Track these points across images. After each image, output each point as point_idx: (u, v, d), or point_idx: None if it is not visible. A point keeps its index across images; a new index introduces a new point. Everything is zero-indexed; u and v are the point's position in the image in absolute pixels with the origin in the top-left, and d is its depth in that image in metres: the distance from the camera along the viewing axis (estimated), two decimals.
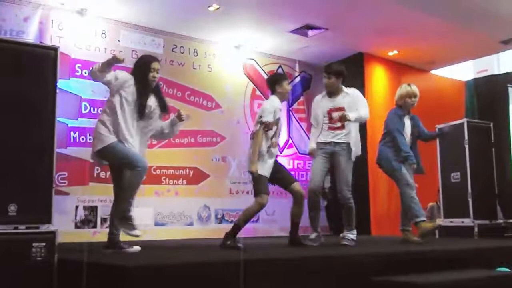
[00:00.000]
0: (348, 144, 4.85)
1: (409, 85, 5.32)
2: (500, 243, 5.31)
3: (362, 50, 8.34)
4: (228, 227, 7.35)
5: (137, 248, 4.08)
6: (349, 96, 4.96)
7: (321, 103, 5.02)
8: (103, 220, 6.42)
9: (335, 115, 4.87)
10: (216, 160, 7.57)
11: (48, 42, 6.12)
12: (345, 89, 5.01)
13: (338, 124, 4.87)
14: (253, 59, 8.13)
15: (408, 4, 6.65)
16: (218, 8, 6.60)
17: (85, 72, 6.54)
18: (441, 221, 6.67)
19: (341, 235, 4.88)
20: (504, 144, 6.55)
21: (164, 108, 4.32)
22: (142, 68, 4.20)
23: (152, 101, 4.20)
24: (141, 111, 4.09)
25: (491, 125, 6.76)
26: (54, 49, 3.64)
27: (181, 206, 7.08)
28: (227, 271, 2.97)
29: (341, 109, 4.87)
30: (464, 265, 4.10)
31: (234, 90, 7.91)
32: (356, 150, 4.89)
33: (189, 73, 7.46)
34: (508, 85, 6.74)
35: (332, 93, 4.98)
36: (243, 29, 7.37)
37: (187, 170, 7.24)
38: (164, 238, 6.51)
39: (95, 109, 6.54)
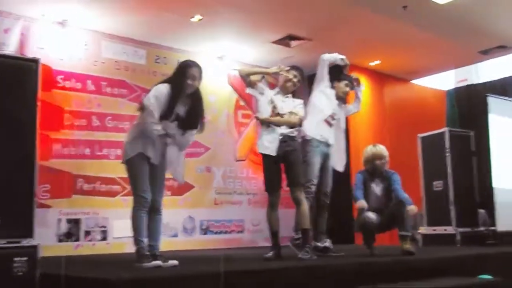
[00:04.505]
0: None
1: (374, 146, 4.94)
2: (481, 250, 5.37)
3: None
4: (213, 238, 7.47)
5: (174, 262, 3.74)
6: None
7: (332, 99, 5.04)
8: (86, 233, 6.37)
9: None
10: (200, 170, 7.55)
11: (29, 53, 6.06)
12: None
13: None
14: (237, 70, 8.12)
15: (390, 15, 6.73)
16: (201, 19, 6.61)
17: (67, 83, 6.51)
18: (424, 229, 6.74)
19: (326, 244, 4.82)
20: (484, 152, 6.62)
21: (190, 123, 3.92)
22: (179, 72, 3.92)
23: (183, 111, 3.90)
24: (164, 117, 3.79)
25: (472, 133, 6.85)
26: (35, 61, 3.61)
27: (166, 218, 6.85)
28: (208, 284, 2.95)
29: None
30: (447, 273, 4.13)
31: (218, 101, 7.91)
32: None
33: None
34: (487, 94, 6.81)
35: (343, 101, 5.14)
36: (226, 40, 7.39)
37: (171, 181, 7.17)
38: None
39: (78, 120, 6.51)
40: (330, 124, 4.92)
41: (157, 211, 3.93)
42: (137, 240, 3.74)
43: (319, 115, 4.86)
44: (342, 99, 5.13)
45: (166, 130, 3.81)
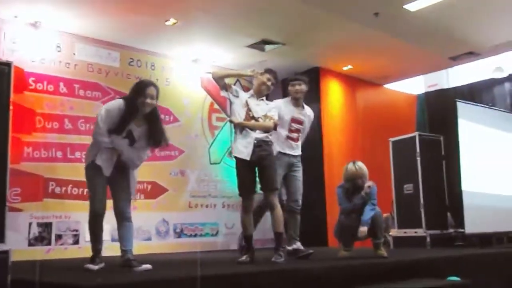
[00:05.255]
0: (300, 155, 5.05)
1: (354, 164, 4.89)
2: (450, 252, 5.48)
3: (318, 64, 8.50)
4: (187, 241, 7.44)
5: (147, 266, 3.76)
6: (307, 116, 5.12)
7: (285, 109, 5.00)
8: (58, 236, 6.28)
9: (295, 126, 4.95)
10: (174, 174, 7.52)
11: (0, 55, 5.97)
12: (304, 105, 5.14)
13: (295, 135, 4.95)
14: (210, 73, 8.12)
15: (362, 21, 6.83)
16: (176, 22, 6.60)
17: (39, 86, 6.42)
18: (395, 231, 6.84)
19: (294, 247, 4.86)
20: (453, 156, 6.76)
21: (152, 140, 3.96)
22: (135, 91, 3.93)
23: (138, 130, 3.92)
24: (115, 131, 3.83)
25: (441, 138, 6.98)
26: (8, 64, 3.56)
27: (139, 221, 6.94)
28: None
29: (301, 122, 4.98)
30: (418, 275, 4.21)
31: (192, 104, 7.90)
32: None
33: None
34: (456, 99, 6.95)
35: (298, 102, 5.04)
36: (200, 44, 7.38)
37: (145, 185, 7.16)
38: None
39: (50, 123, 6.41)
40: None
41: (126, 219, 3.97)
42: (93, 241, 3.97)
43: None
44: (296, 100, 5.06)
45: (114, 144, 3.84)
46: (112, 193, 3.98)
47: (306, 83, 5.08)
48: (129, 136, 3.88)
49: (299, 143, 5.08)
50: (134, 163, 3.97)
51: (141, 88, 3.89)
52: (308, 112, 5.18)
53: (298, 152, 5.04)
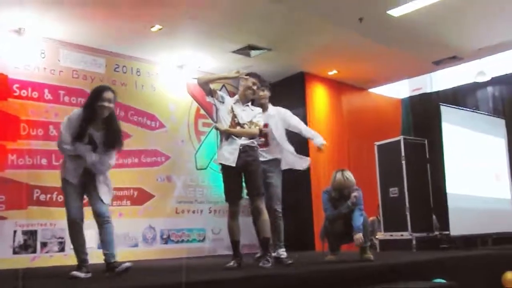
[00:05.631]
0: (275, 159, 4.90)
1: (342, 173, 4.90)
2: (436, 255, 5.51)
3: (303, 69, 8.55)
4: (174, 247, 7.40)
5: (127, 264, 3.84)
6: (272, 116, 4.94)
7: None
8: (43, 244, 6.22)
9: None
10: (161, 179, 7.49)
11: None
12: (271, 107, 5.03)
13: (262, 141, 4.82)
14: (197, 78, 8.12)
15: (347, 27, 6.88)
16: (161, 29, 6.59)
17: (24, 92, 6.37)
18: (381, 234, 6.87)
19: (274, 254, 4.82)
20: (438, 160, 6.82)
21: (108, 143, 4.02)
22: (92, 96, 4.04)
23: (98, 135, 4.01)
24: (77, 138, 3.95)
25: (426, 141, 7.04)
26: None
27: (126, 227, 6.94)
28: None
29: (265, 125, 4.88)
30: (403, 278, 4.23)
31: (178, 109, 7.88)
32: (292, 162, 4.94)
33: (132, 92, 7.38)
34: (440, 103, 7.03)
35: (264, 107, 4.94)
36: (186, 49, 7.39)
37: (131, 191, 7.13)
38: None
39: (34, 130, 6.36)
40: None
41: (104, 221, 4.02)
42: (76, 251, 4.02)
43: None
44: (262, 105, 4.92)
45: (77, 151, 3.95)
46: (88, 199, 4.07)
47: (269, 89, 5.04)
48: (91, 142, 3.99)
49: (271, 147, 4.92)
50: (98, 168, 4.02)
51: (98, 93, 4.00)
52: (272, 112, 5.00)
53: (269, 157, 4.89)
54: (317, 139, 5.04)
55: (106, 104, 3.94)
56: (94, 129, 3.99)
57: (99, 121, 4.00)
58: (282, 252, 4.81)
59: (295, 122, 5.10)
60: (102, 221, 3.98)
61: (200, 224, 7.78)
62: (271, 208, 4.76)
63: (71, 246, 4.13)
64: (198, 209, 7.84)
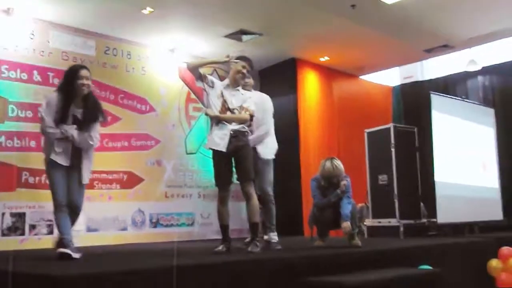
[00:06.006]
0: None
1: (331, 162, 4.95)
2: (423, 242, 5.59)
3: (295, 55, 8.53)
4: (163, 231, 7.43)
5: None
6: (256, 105, 4.76)
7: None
8: (32, 227, 6.20)
9: None
10: (151, 163, 7.48)
11: None
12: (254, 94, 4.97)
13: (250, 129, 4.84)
14: (187, 63, 8.08)
15: (339, 13, 6.86)
16: (152, 11, 6.53)
17: (12, 74, 6.31)
18: (369, 221, 6.93)
19: (265, 237, 4.89)
20: (427, 148, 6.86)
21: (91, 117, 4.15)
22: (69, 76, 4.16)
23: (80, 112, 4.15)
24: (61, 120, 4.04)
25: (415, 129, 7.08)
26: None
27: (115, 211, 6.95)
28: (160, 278, 2.96)
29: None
30: (390, 264, 4.29)
31: (169, 93, 7.85)
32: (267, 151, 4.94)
33: (122, 76, 7.33)
34: (431, 91, 7.05)
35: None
36: (177, 33, 7.33)
37: (121, 174, 7.11)
38: (97, 244, 6.36)
39: (23, 112, 6.32)
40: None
41: (78, 214, 4.17)
42: (62, 233, 4.03)
43: None
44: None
45: (65, 133, 4.04)
46: (69, 184, 4.11)
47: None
48: (76, 121, 4.09)
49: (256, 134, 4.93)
50: (88, 144, 4.14)
51: (75, 72, 4.13)
52: (255, 98, 4.82)
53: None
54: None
55: (85, 81, 4.09)
56: (75, 108, 4.10)
57: (78, 100, 4.11)
58: (273, 236, 4.86)
59: (267, 116, 5.04)
60: (76, 212, 4.14)
61: (190, 209, 7.80)
62: (263, 190, 4.82)
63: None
64: (188, 194, 7.84)
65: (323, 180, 4.97)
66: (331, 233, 5.34)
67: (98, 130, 4.24)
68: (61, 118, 4.03)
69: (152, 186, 7.42)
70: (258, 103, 4.88)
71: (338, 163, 4.96)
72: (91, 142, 4.13)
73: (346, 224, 4.72)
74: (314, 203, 5.03)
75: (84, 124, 4.10)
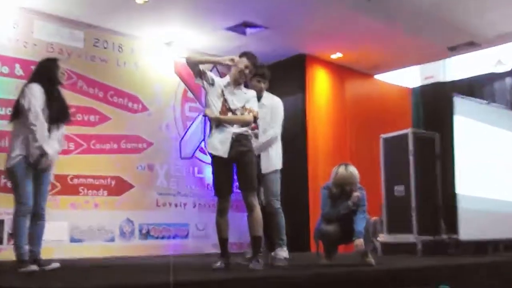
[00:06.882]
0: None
1: (346, 168, 4.96)
2: (443, 260, 5.61)
3: (304, 51, 8.57)
4: (153, 243, 7.47)
5: (56, 264, 4.22)
6: (266, 108, 4.98)
7: None
8: (10, 235, 6.24)
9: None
10: (141, 168, 7.53)
11: None
12: (265, 96, 5.07)
13: (256, 131, 4.89)
14: (185, 57, 8.14)
15: (353, 5, 6.90)
16: (147, 0, 6.59)
17: None
18: (384, 236, 6.95)
19: (272, 253, 4.93)
20: (449, 156, 6.88)
21: (62, 115, 4.42)
22: (50, 66, 4.38)
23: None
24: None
25: (436, 135, 7.10)
26: None
27: (101, 220, 7.00)
28: None
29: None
30: (406, 284, 4.31)
31: (164, 91, 7.91)
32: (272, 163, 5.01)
33: (112, 70, 7.40)
34: (454, 94, 7.07)
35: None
36: (174, 25, 7.39)
37: (109, 180, 7.16)
38: (81, 256, 6.41)
39: (3, 109, 6.37)
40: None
41: (41, 217, 4.32)
42: (17, 246, 4.14)
43: None
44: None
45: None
46: (35, 186, 4.28)
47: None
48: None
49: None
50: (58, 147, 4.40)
51: (55, 61, 4.42)
52: (266, 101, 5.03)
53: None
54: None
55: (63, 71, 4.41)
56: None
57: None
58: (281, 252, 4.86)
59: (276, 121, 5.08)
60: (41, 216, 4.31)
61: (183, 219, 7.84)
62: (269, 202, 4.84)
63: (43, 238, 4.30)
64: (182, 202, 7.89)
65: (335, 188, 4.98)
66: (340, 248, 5.36)
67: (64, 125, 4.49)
68: (45, 113, 4.21)
69: (142, 193, 7.47)
70: (267, 106, 4.96)
71: (353, 169, 4.97)
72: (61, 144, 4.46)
73: (359, 242, 4.72)
74: (322, 215, 5.04)
75: (56, 120, 4.30)
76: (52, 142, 4.26)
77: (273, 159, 5.00)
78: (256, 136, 4.85)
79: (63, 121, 4.41)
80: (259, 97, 4.94)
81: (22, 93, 4.28)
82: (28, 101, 4.17)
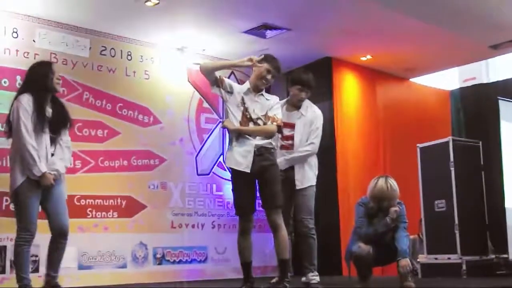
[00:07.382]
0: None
1: (386, 181, 4.95)
2: (490, 282, 5.53)
3: (330, 54, 8.56)
4: (169, 269, 7.46)
5: None
6: (305, 119, 5.05)
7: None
8: (13, 263, 6.28)
9: (286, 131, 4.95)
10: (154, 187, 7.55)
11: None
12: (305, 106, 5.11)
13: (291, 142, 4.94)
14: (198, 64, 8.17)
15: (384, 2, 6.87)
16: (158, 3, 6.63)
17: None
18: (424, 257, 6.87)
19: (303, 279, 4.90)
20: (495, 166, 6.81)
21: (64, 120, 4.49)
22: (43, 73, 4.40)
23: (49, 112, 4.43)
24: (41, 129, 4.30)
25: (480, 144, 7.03)
26: None
27: (112, 245, 7.01)
28: None
29: (293, 126, 4.95)
30: None
31: (177, 102, 7.93)
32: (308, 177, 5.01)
33: (121, 81, 7.44)
34: (499, 96, 7.00)
35: (296, 106, 5.06)
36: (188, 29, 7.43)
37: (119, 200, 7.19)
38: (91, 284, 6.43)
39: (3, 125, 6.42)
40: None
41: (64, 237, 4.41)
42: (20, 277, 4.19)
43: None
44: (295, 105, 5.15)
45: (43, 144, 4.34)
46: (49, 208, 4.37)
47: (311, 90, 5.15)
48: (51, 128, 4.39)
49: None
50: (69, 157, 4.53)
51: (49, 66, 4.42)
52: (306, 112, 5.14)
53: None
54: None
55: (58, 77, 4.44)
56: (48, 107, 4.41)
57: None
58: (313, 277, 4.83)
59: (316, 136, 5.12)
60: (64, 235, 4.38)
61: (201, 242, 7.83)
62: (300, 221, 4.82)
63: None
64: (199, 223, 7.88)
65: (372, 202, 4.94)
66: (376, 270, 5.31)
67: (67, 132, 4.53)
68: (41, 126, 4.25)
69: (156, 214, 7.48)
70: (308, 117, 5.04)
71: (394, 182, 4.93)
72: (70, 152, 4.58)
73: (406, 262, 4.66)
74: (358, 234, 4.98)
75: (56, 128, 4.35)
76: (52, 159, 4.28)
77: (308, 173, 4.99)
78: (286, 147, 4.86)
79: (64, 127, 4.44)
80: (298, 107, 4.97)
81: (11, 107, 4.32)
82: (17, 118, 4.21)
